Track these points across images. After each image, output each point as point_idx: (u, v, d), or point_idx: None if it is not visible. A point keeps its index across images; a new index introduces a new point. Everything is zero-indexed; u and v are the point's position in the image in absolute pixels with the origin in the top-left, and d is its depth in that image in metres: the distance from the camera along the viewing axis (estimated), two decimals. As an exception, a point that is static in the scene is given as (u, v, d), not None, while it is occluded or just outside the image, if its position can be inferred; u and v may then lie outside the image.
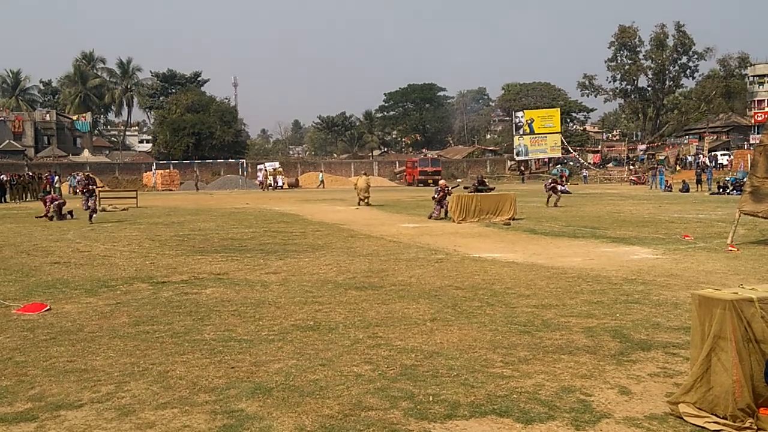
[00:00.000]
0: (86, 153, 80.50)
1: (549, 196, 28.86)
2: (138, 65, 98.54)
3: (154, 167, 69.05)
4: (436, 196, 23.54)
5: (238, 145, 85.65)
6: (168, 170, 67.59)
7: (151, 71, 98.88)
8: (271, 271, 11.84)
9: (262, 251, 14.64)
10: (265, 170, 64.87)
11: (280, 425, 4.77)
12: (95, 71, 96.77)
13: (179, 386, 5.64)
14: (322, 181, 65.97)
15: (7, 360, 6.44)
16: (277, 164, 69.30)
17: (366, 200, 31.19)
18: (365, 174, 36.22)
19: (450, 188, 24.33)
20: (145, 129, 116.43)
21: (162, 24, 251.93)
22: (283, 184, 61.65)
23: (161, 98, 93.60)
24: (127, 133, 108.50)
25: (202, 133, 77.91)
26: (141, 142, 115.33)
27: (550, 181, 31.48)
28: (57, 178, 50.69)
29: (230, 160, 74.96)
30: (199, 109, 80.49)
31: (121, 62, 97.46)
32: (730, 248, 14.13)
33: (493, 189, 27.79)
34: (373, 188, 34.90)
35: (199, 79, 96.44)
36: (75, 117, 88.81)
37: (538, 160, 79.75)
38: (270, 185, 61.43)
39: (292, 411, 5.03)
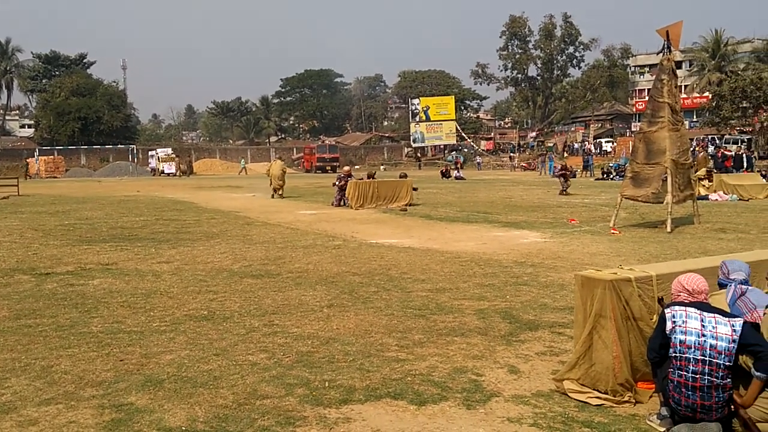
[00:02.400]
0: (-39, 138, 75.61)
1: (562, 184, 27.59)
2: (18, 46, 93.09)
3: (36, 153, 65.74)
4: (337, 182, 23.47)
5: (128, 130, 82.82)
6: (52, 156, 64.61)
7: (32, 52, 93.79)
8: (163, 260, 11.52)
9: (154, 240, 14.22)
10: (157, 157, 63.06)
11: (172, 417, 4.66)
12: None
13: (64, 381, 5.42)
14: (244, 168, 64.62)
15: None
16: (169, 150, 67.46)
17: (280, 190, 27.18)
18: (280, 158, 32.73)
19: (352, 175, 24.12)
20: (26, 113, 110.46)
21: (44, 2, 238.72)
22: (176, 171, 60.00)
23: (44, 81, 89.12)
24: (7, 117, 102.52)
25: (88, 118, 74.74)
26: (22, 126, 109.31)
27: (559, 168, 30.27)
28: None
29: (120, 146, 72.46)
30: (85, 93, 77.15)
31: (0, 43, 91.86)
32: (612, 231, 14.84)
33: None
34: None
35: (84, 61, 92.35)
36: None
37: (434, 146, 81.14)
38: (162, 172, 59.77)
39: (185, 402, 4.93)
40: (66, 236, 15.07)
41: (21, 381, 5.44)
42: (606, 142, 70.37)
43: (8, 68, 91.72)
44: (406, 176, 26.00)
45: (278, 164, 28.60)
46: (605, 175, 43.63)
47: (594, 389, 4.99)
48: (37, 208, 23.45)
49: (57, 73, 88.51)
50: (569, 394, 5.02)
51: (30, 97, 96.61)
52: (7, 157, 67.12)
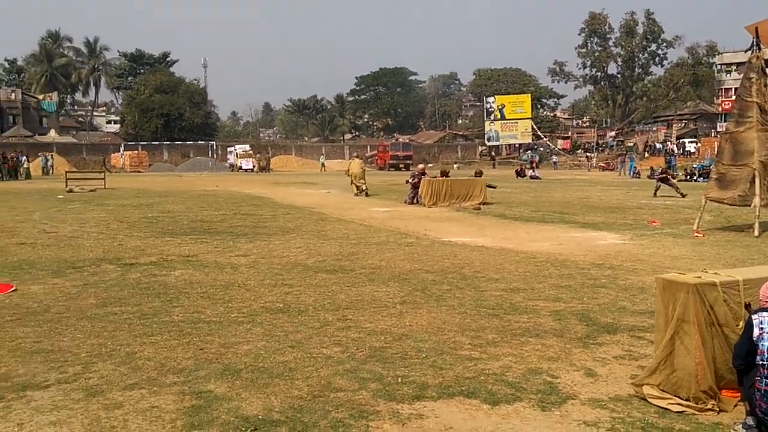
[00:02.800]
0: (53, 133, 79.07)
1: (657, 187, 26.14)
2: (105, 45, 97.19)
3: (122, 148, 68.23)
4: (411, 180, 23.49)
5: (208, 126, 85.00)
6: (136, 151, 66.91)
7: (118, 51, 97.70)
8: (240, 253, 11.77)
9: (232, 234, 14.55)
10: (236, 153, 64.43)
11: (249, 406, 4.76)
12: (61, 50, 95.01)
13: (147, 367, 5.60)
14: (323, 165, 65.30)
15: (-30, 341, 6.35)
16: (247, 147, 68.86)
17: (363, 187, 26.51)
18: (357, 156, 31.45)
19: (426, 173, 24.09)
20: (113, 109, 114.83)
21: (130, 2, 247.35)
22: (254, 167, 61.15)
23: (129, 78, 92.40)
24: (95, 113, 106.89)
25: (171, 115, 77.13)
26: (109, 122, 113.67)
27: (660, 170, 29.14)
28: (24, 158, 49.80)
29: (200, 142, 74.41)
30: (168, 90, 79.61)
31: (88, 41, 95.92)
32: (696, 234, 14.35)
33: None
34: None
35: (168, 59, 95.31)
36: (41, 96, 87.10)
37: (509, 145, 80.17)
38: (240, 168, 61.02)
39: (261, 392, 5.03)
40: (149, 228, 15.59)
41: (107, 366, 5.65)
42: (689, 142, 68.00)
43: (96, 66, 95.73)
44: (481, 174, 25.78)
45: (357, 162, 28.15)
46: (688, 177, 42.20)
47: (675, 396, 4.83)
48: (122, 200, 24.34)
49: (141, 71, 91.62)
50: (649, 400, 4.88)
51: (116, 94, 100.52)
52: (95, 151, 69.96)
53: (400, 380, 5.30)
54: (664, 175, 27.00)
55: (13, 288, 8.63)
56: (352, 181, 27.14)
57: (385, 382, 5.25)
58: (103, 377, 5.37)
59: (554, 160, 69.43)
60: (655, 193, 25.88)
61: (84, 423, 4.48)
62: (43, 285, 8.95)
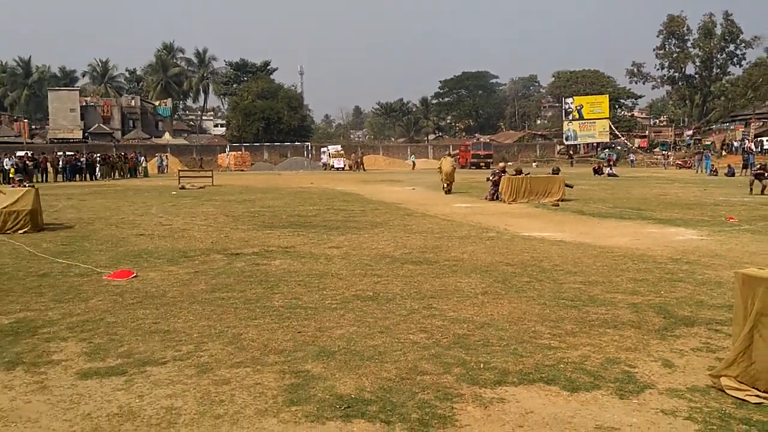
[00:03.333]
0: (167, 136, 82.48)
1: (752, 182, 25.13)
2: (213, 55, 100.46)
3: (227, 149, 70.38)
4: (492, 178, 23.26)
5: (304, 129, 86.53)
6: (240, 152, 68.80)
7: (225, 61, 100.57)
8: (333, 245, 11.94)
9: (326, 227, 14.78)
10: (328, 153, 65.34)
11: (343, 385, 4.84)
12: (175, 61, 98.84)
13: (251, 348, 5.77)
14: (414, 163, 65.69)
15: (99, 321, 6.68)
16: (339, 147, 69.73)
17: (449, 186, 25.78)
18: (449, 155, 30.03)
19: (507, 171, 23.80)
20: (219, 114, 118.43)
21: (235, 16, 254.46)
22: (345, 165, 61.87)
23: (234, 86, 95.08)
24: (204, 117, 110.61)
25: (270, 118, 78.97)
26: (216, 126, 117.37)
27: (758, 166, 27.70)
28: (143, 158, 52.14)
29: (296, 143, 75.86)
30: (268, 96, 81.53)
31: (198, 52, 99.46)
32: (774, 231, 13.60)
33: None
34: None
35: (268, 67, 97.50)
36: (157, 103, 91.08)
37: (587, 144, 78.07)
38: (332, 167, 61.85)
39: (354, 373, 5.10)
40: (252, 222, 16.02)
41: (216, 345, 5.85)
42: (768, 140, 64.37)
43: (205, 75, 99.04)
44: (558, 171, 25.23)
45: (449, 161, 26.97)
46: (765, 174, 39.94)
47: (753, 387, 4.62)
48: (228, 196, 25.11)
49: (245, 78, 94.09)
50: (726, 391, 4.68)
51: (222, 100, 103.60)
52: (204, 152, 72.47)
53: (482, 366, 5.27)
54: (762, 171, 25.39)
55: (134, 274, 9.03)
56: (442, 179, 26.18)
57: (468, 367, 5.23)
58: (213, 356, 5.56)
59: (631, 158, 67.19)
60: (750, 190, 24.59)
61: (196, 396, 4.67)
62: (159, 272, 9.34)
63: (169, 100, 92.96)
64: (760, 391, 4.58)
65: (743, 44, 78.45)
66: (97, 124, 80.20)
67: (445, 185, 26.01)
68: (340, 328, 6.35)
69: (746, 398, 4.56)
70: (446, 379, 4.97)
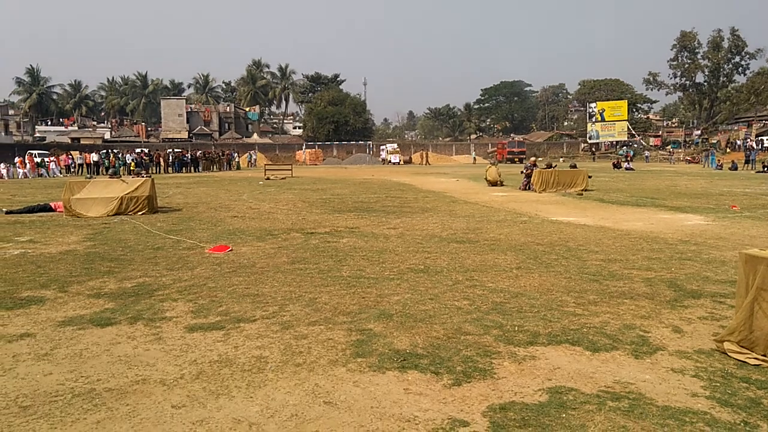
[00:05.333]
0: (255, 136, 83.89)
1: None
2: (293, 69, 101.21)
3: (303, 147, 71.20)
4: (525, 170, 22.85)
5: (366, 130, 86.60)
6: (314, 149, 69.48)
7: (302, 74, 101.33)
8: (390, 227, 11.95)
9: (384, 211, 14.81)
10: (387, 150, 65.36)
11: (399, 342, 4.87)
12: (262, 74, 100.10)
13: (324, 310, 5.84)
14: (475, 158, 65.65)
15: (202, 286, 6.88)
16: (395, 145, 69.62)
17: (500, 181, 24.67)
18: (493, 165, 28.75)
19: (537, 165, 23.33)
20: (297, 118, 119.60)
21: (311, 38, 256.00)
22: (400, 161, 61.79)
23: (309, 94, 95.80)
24: (285, 121, 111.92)
25: (339, 122, 79.36)
26: (294, 128, 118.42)
27: None
28: (236, 154, 53.19)
29: (360, 142, 76.03)
30: (337, 103, 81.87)
31: (281, 67, 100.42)
32: (775, 218, 12.95)
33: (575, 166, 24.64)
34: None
35: (338, 79, 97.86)
36: (248, 109, 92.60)
37: (607, 143, 75.82)
38: (389, 161, 61.86)
39: (408, 332, 5.12)
40: (323, 207, 16.18)
41: (296, 307, 5.94)
42: (768, 139, 61.19)
43: (286, 86, 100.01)
44: (575, 166, 24.73)
45: (493, 169, 25.79)
46: (765, 168, 38.06)
47: (752, 351, 4.44)
48: (304, 186, 25.42)
49: (318, 88, 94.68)
50: (729, 354, 4.51)
51: (300, 106, 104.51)
52: (285, 149, 73.48)
53: (516, 329, 5.21)
54: None
55: (230, 249, 9.24)
56: (486, 178, 25.30)
57: (504, 330, 5.19)
58: (293, 315, 5.66)
59: (646, 154, 64.91)
60: None
61: (280, 348, 4.77)
62: (250, 247, 9.53)
63: (257, 106, 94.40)
64: (758, 354, 4.41)
65: (747, 56, 74.81)
66: (199, 127, 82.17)
67: (489, 183, 25.06)
68: (396, 295, 6.37)
69: (746, 360, 4.39)
70: (486, 339, 4.94)
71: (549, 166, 23.49)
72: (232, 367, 4.35)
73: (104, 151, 46.09)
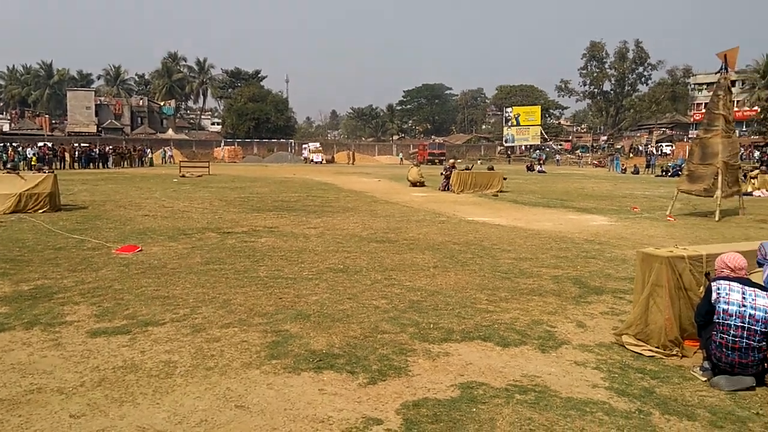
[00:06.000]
0: (170, 131, 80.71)
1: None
2: (212, 63, 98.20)
3: (222, 144, 69.27)
4: (444, 172, 23.34)
5: (288, 128, 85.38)
6: (234, 146, 67.76)
7: (222, 69, 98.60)
8: (311, 226, 11.87)
9: (305, 211, 14.67)
10: (309, 149, 64.90)
11: (316, 342, 4.84)
12: (178, 67, 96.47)
13: (239, 311, 5.71)
14: (402, 158, 66.09)
15: (108, 288, 6.55)
16: (318, 144, 69.20)
17: (421, 181, 24.80)
18: (415, 165, 28.88)
19: (456, 166, 23.93)
20: (216, 114, 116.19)
21: (231, 30, 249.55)
22: (322, 160, 61.49)
23: (229, 90, 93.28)
24: (202, 116, 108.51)
25: (260, 119, 77.76)
26: (213, 124, 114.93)
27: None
28: (149, 150, 51.00)
29: (281, 140, 74.94)
30: (258, 100, 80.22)
31: (199, 61, 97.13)
32: (668, 218, 13.96)
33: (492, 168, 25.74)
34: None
35: (259, 75, 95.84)
36: (162, 103, 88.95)
37: (522, 146, 78.94)
38: (311, 160, 61.42)
39: (325, 332, 5.10)
40: (242, 205, 15.81)
41: (209, 309, 5.77)
42: (666, 145, 65.96)
43: (204, 80, 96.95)
44: (492, 168, 25.53)
45: (415, 170, 26.07)
46: (664, 173, 40.95)
47: (647, 344, 4.76)
48: (222, 184, 24.73)
49: (239, 84, 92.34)
50: (627, 346, 4.81)
51: (219, 102, 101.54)
52: (202, 146, 71.11)
53: (431, 326, 5.31)
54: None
55: (139, 248, 8.85)
56: (408, 179, 25.34)
57: (420, 327, 5.27)
58: (206, 318, 5.49)
59: (557, 158, 68.09)
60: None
61: (191, 352, 4.61)
62: (161, 247, 9.17)
63: (173, 101, 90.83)
64: (653, 346, 4.72)
65: (650, 66, 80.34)
66: (109, 120, 77.99)
67: (411, 183, 25.14)
68: (314, 295, 6.33)
69: (642, 352, 4.69)
70: (402, 337, 5.00)
71: (467, 168, 24.12)
72: (137, 373, 4.16)
73: (2, 144, 42.83)
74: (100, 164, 41.94)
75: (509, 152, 75.74)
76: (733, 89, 15.27)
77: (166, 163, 54.35)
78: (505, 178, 22.87)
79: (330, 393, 3.88)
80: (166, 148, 59.00)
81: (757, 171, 25.70)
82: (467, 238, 10.52)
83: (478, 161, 64.44)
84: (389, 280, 7.08)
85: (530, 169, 46.16)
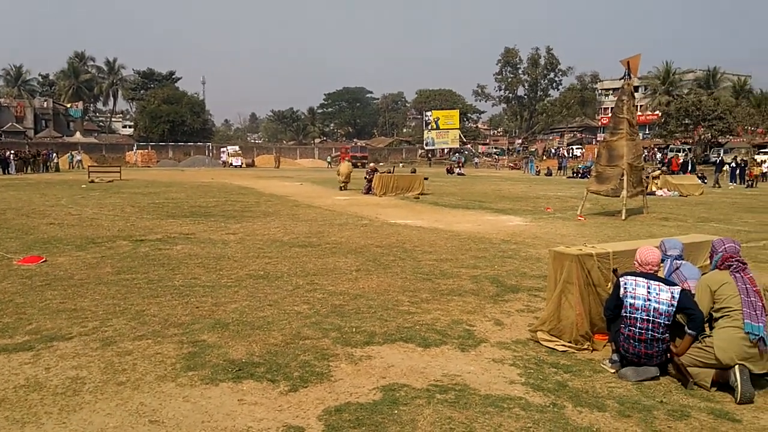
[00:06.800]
0: (78, 135, 76.27)
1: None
2: (122, 63, 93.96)
3: (135, 148, 66.38)
4: (367, 176, 23.43)
5: (205, 131, 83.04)
6: (147, 150, 65.12)
7: (133, 69, 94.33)
8: (230, 232, 11.58)
9: (224, 216, 14.30)
10: (228, 152, 63.36)
11: (235, 351, 4.71)
12: (86, 68, 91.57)
13: (153, 322, 5.48)
14: (330, 162, 65.15)
15: (8, 302, 6.10)
16: (237, 148, 67.65)
17: (346, 185, 24.39)
18: (348, 161, 28.35)
19: (378, 170, 24.13)
20: (128, 116, 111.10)
21: (145, 28, 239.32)
22: (242, 163, 60.18)
23: (142, 91, 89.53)
24: (113, 119, 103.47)
25: (175, 121, 75.16)
26: (124, 127, 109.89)
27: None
28: (55, 155, 47.99)
29: (198, 143, 72.78)
30: (173, 102, 77.45)
31: (108, 61, 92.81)
32: (579, 218, 14.69)
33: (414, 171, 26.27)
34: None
35: (173, 76, 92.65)
36: (69, 105, 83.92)
37: (442, 149, 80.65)
38: (231, 164, 59.99)
39: (245, 340, 4.98)
40: (156, 212, 15.20)
41: (120, 321, 5.50)
42: (576, 148, 69.69)
43: (114, 81, 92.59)
44: (415, 171, 25.93)
45: (347, 164, 25.80)
46: (575, 174, 43.15)
47: (560, 339, 4.97)
48: (134, 189, 23.67)
49: (152, 85, 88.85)
50: (541, 342, 5.01)
51: (131, 104, 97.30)
52: (113, 150, 67.77)
53: (354, 330, 5.31)
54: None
55: (44, 259, 8.33)
56: (339, 179, 24.82)
57: (342, 332, 5.25)
58: (117, 330, 5.23)
59: (476, 161, 70.12)
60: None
61: (100, 367, 4.37)
62: (68, 257, 8.66)
63: (81, 103, 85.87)
64: (565, 341, 4.94)
65: (561, 72, 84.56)
66: (10, 123, 72.68)
67: (342, 184, 24.86)
68: (233, 303, 6.17)
69: (555, 347, 4.90)
70: (324, 342, 4.97)
71: (389, 171, 24.37)
72: (42, 392, 3.90)
73: None
74: (1, 170, 39.02)
75: (430, 155, 77.18)
76: (636, 94, 16.36)
77: (73, 168, 51.37)
78: (426, 179, 23.30)
79: (249, 403, 3.79)
80: (74, 153, 55.74)
81: (659, 172, 27.64)
82: (389, 241, 10.60)
83: (400, 164, 65.33)
84: (311, 285, 7.02)
85: (450, 171, 47.29)
